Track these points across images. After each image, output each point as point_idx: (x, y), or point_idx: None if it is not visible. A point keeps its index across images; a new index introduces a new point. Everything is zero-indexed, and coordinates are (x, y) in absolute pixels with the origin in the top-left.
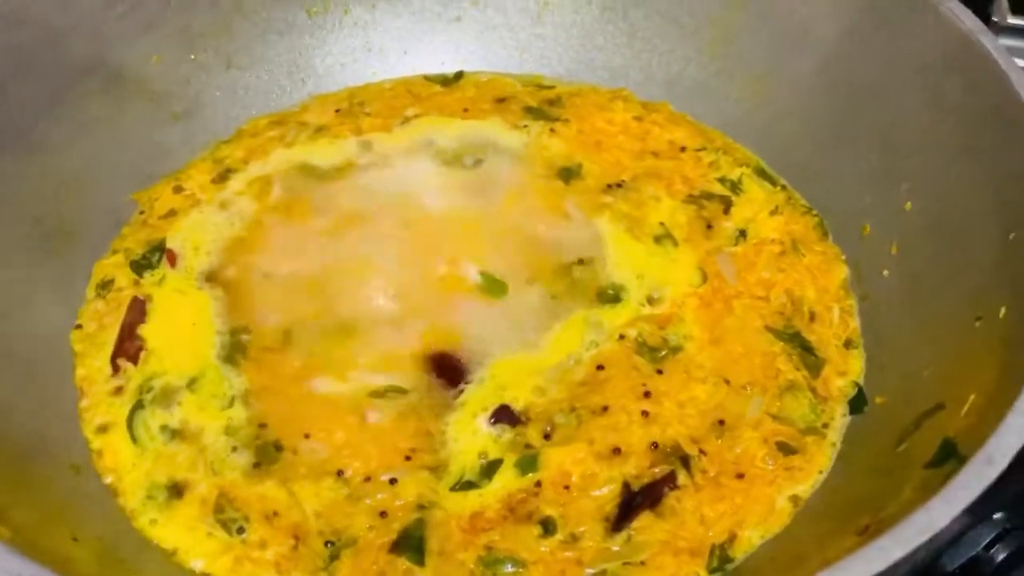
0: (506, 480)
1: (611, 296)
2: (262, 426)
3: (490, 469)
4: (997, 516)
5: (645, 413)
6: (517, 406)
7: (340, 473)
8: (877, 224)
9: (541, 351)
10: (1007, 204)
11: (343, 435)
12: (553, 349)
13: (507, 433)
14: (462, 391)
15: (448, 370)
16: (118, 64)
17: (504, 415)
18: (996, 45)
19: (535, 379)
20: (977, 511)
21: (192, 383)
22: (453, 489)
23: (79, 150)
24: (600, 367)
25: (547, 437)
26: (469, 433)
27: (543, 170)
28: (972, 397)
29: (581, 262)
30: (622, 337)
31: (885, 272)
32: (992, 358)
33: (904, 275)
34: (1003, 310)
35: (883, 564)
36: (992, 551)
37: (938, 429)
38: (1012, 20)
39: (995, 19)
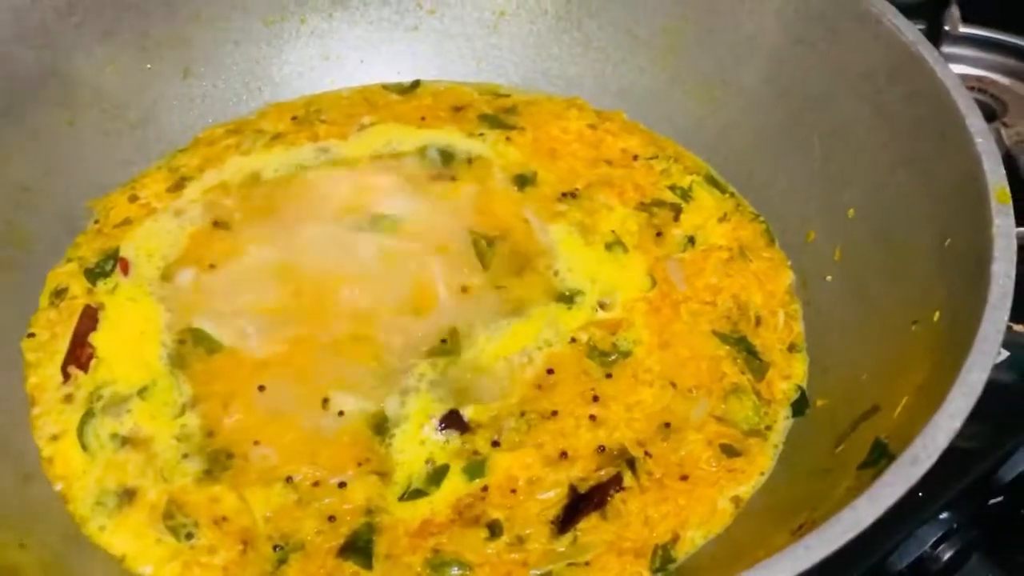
0: (455, 485)
1: (567, 297)
2: (210, 434)
3: (437, 475)
4: (943, 516)
5: (593, 417)
6: (467, 412)
7: (289, 479)
8: (821, 230)
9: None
10: (944, 212)
11: (293, 442)
12: (508, 343)
13: (455, 440)
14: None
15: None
16: (73, 73)
17: (453, 421)
18: (935, 56)
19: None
20: (924, 510)
21: (143, 391)
22: (402, 499)
23: (33, 159)
24: (550, 371)
25: (496, 444)
26: (416, 442)
27: (499, 178)
28: (905, 399)
29: (536, 267)
30: (573, 340)
31: (829, 277)
32: (925, 361)
33: (847, 280)
34: (937, 314)
35: (809, 562)
36: (938, 550)
37: (872, 430)
38: (963, 29)
39: (947, 28)
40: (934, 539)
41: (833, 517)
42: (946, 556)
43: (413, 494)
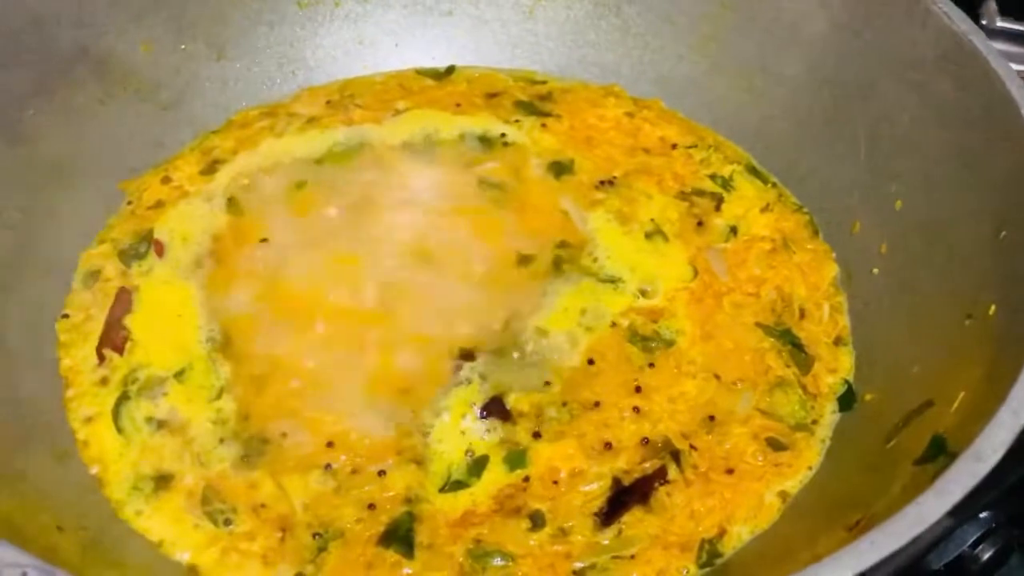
0: (495, 476)
1: (609, 279)
2: (246, 418)
3: (478, 467)
4: (983, 515)
5: (636, 409)
6: (508, 401)
7: (328, 466)
8: (867, 223)
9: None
10: (998, 203)
11: (331, 429)
12: (554, 319)
13: (496, 431)
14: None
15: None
16: (107, 53)
17: (495, 409)
18: (987, 45)
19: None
20: (964, 509)
21: (180, 374)
22: (443, 490)
23: (66, 139)
24: (591, 361)
25: (537, 435)
26: (455, 433)
27: (535, 164)
28: (962, 394)
29: (577, 251)
30: (614, 325)
31: (875, 270)
32: (982, 356)
33: (894, 273)
34: (993, 308)
35: (875, 558)
36: (978, 549)
37: (928, 426)
38: (1001, 23)
39: (984, 22)
40: (973, 538)
41: (898, 513)
42: (985, 556)
43: (454, 485)
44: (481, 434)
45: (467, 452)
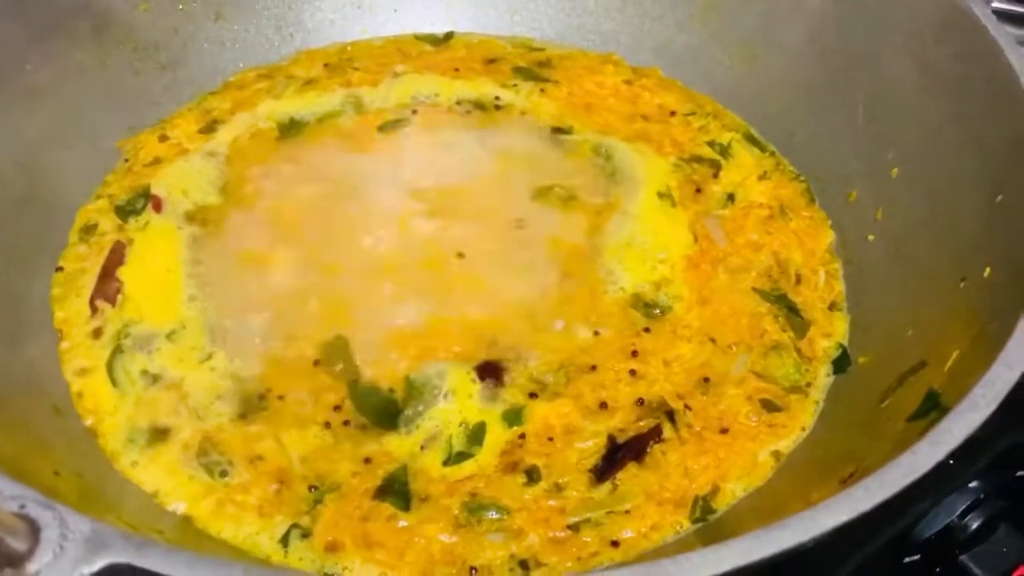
0: (496, 438)
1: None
2: (239, 380)
3: (477, 435)
4: (972, 485)
5: (632, 372)
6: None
7: (327, 424)
8: (864, 190)
9: None
10: (994, 169)
11: (328, 392)
12: None
13: (493, 398)
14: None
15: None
16: (106, 10)
17: (489, 371)
18: (987, 14)
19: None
20: (954, 479)
21: (171, 334)
22: (447, 464)
23: (63, 96)
24: (597, 332)
25: (533, 396)
26: (451, 406)
27: (535, 130)
28: (956, 353)
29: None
30: (622, 290)
31: (870, 237)
32: (976, 316)
33: (889, 240)
34: (988, 270)
35: (868, 504)
36: (966, 519)
37: (922, 384)
38: (997, 4)
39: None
40: (961, 509)
41: (892, 461)
42: (973, 526)
43: (457, 457)
44: (477, 403)
45: (460, 424)
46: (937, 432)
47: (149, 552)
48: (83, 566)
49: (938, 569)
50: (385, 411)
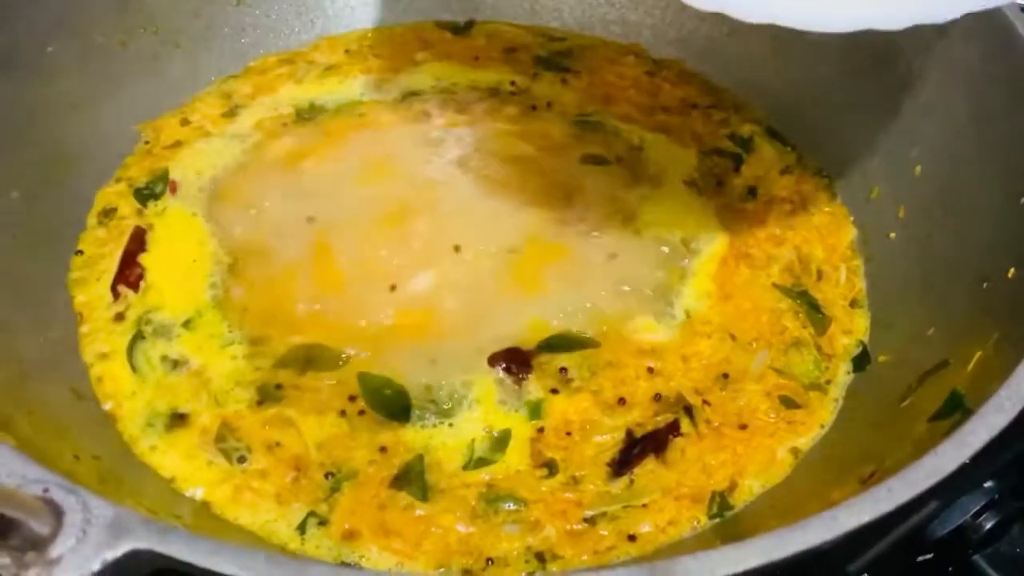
0: (521, 443)
1: None
2: (259, 368)
3: (501, 442)
4: (986, 485)
5: (650, 369)
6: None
7: (343, 413)
8: (886, 187)
9: None
10: (1019, 168)
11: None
12: None
13: (515, 384)
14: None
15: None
16: None
17: (514, 357)
18: (1017, 13)
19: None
20: (969, 479)
21: (188, 323)
22: (467, 468)
23: (84, 77)
24: None
25: (554, 392)
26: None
27: (558, 119)
28: (978, 354)
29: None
30: None
31: (892, 234)
32: (999, 317)
33: (911, 238)
34: (1012, 271)
35: (891, 505)
36: (980, 519)
37: (944, 384)
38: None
39: None
40: (976, 508)
41: (916, 462)
42: (987, 526)
43: (477, 463)
44: (501, 407)
45: (484, 428)
46: (962, 433)
47: (171, 538)
48: (106, 551)
49: (951, 568)
50: (399, 405)
